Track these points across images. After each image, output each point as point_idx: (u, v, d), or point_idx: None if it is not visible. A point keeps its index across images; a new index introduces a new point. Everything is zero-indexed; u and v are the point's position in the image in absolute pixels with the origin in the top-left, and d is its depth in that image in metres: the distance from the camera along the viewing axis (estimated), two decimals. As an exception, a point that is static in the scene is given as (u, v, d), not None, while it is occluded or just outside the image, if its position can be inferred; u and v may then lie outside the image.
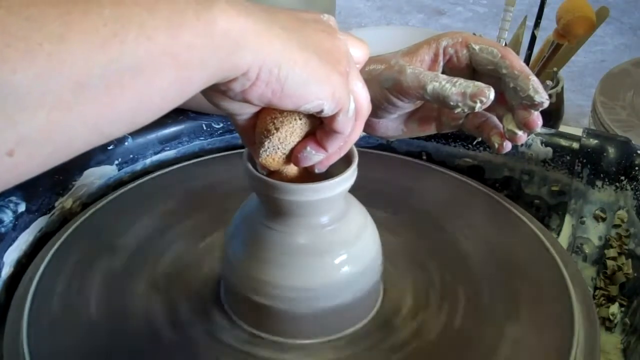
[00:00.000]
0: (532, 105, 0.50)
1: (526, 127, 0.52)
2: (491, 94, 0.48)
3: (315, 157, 0.42)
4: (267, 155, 0.42)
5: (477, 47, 0.53)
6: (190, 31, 0.31)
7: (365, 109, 0.42)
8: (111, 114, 0.30)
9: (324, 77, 0.37)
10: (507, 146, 0.54)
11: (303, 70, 0.36)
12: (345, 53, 0.40)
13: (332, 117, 0.40)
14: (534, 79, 0.50)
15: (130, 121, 0.32)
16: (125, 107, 0.30)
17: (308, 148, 0.42)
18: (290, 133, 0.41)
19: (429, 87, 0.49)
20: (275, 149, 0.42)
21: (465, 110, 0.48)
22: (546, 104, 0.50)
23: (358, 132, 0.43)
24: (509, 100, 0.53)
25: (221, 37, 0.32)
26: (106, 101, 0.29)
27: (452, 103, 0.48)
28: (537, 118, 0.52)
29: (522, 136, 0.52)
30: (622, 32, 2.13)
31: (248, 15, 0.34)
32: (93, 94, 0.29)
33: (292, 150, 0.43)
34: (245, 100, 0.36)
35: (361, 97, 0.41)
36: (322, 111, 0.39)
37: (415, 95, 0.51)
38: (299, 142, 0.42)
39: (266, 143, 0.41)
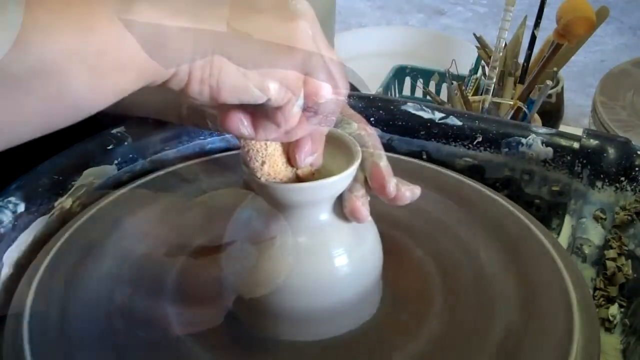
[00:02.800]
0: None
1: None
2: None
3: (244, 130, 0.39)
4: (264, 172, 0.43)
5: None
6: (101, 35, 0.30)
7: (319, 104, 0.38)
8: (18, 116, 0.30)
9: (265, 69, 0.35)
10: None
11: (240, 61, 0.34)
12: (303, 40, 0.37)
13: (275, 110, 0.38)
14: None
15: (42, 124, 0.31)
16: (33, 109, 0.30)
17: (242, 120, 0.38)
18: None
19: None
20: (265, 162, 0.42)
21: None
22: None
23: (303, 129, 0.41)
24: None
25: (137, 39, 0.31)
26: (11, 104, 0.29)
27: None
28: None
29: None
30: (622, 32, 2.13)
31: (173, 15, 0.32)
32: None
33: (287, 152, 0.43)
34: (190, 97, 0.35)
35: (315, 91, 0.38)
36: (269, 100, 0.36)
37: None
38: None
39: (252, 163, 0.41)
